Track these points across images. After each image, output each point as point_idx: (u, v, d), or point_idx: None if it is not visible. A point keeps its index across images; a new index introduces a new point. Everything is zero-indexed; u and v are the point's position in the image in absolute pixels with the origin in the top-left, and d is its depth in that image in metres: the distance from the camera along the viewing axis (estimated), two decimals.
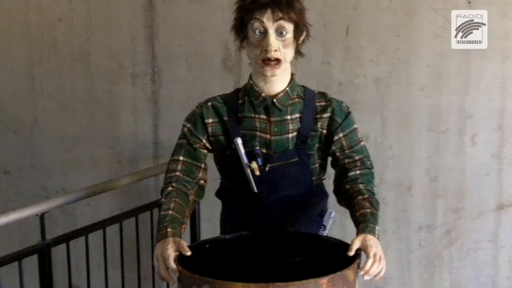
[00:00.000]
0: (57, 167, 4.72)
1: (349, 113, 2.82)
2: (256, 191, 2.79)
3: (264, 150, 2.77)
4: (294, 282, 2.31)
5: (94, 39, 4.48)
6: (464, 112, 3.72)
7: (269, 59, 2.63)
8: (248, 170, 2.76)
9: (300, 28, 2.68)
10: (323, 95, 2.83)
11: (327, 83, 3.91)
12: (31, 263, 3.35)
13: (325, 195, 3.00)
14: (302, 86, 2.85)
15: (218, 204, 3.09)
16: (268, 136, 2.76)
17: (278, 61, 2.64)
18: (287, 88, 2.74)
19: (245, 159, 2.76)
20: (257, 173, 2.75)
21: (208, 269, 2.61)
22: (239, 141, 2.75)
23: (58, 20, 4.56)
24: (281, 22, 2.60)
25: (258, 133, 2.77)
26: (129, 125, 4.46)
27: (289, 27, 2.63)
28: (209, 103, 2.84)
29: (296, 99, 2.78)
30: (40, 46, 4.65)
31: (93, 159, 4.58)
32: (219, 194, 3.00)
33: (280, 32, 2.62)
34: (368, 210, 2.70)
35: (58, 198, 3.51)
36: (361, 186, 2.80)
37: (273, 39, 2.61)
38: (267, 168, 2.76)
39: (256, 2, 2.58)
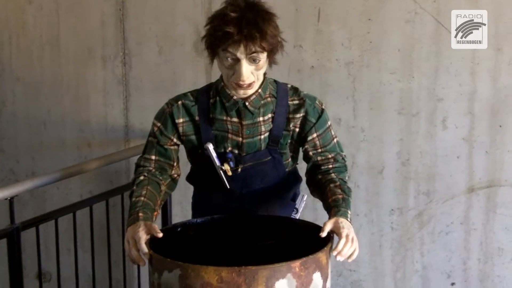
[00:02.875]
0: (26, 151, 4.67)
1: (322, 110, 2.79)
2: (228, 187, 2.80)
3: (236, 151, 2.76)
4: (266, 266, 2.30)
5: (63, 22, 4.43)
6: (434, 95, 3.73)
7: (242, 82, 2.61)
8: (221, 171, 2.76)
9: (274, 51, 2.63)
10: (296, 92, 2.79)
11: (298, 67, 3.90)
12: (0, 247, 3.31)
13: (298, 179, 3.00)
14: (274, 81, 2.80)
15: (189, 188, 3.08)
16: (240, 138, 2.74)
17: (250, 83, 2.62)
18: (259, 90, 2.70)
19: (217, 162, 2.75)
20: (229, 173, 2.75)
21: (180, 253, 2.60)
22: (210, 146, 2.73)
23: (27, 3, 4.50)
24: (254, 54, 2.55)
25: (229, 135, 2.75)
26: (99, 108, 4.42)
27: (262, 55, 2.57)
28: (180, 102, 2.77)
29: (269, 98, 2.74)
30: (9, 29, 4.59)
31: (63, 142, 4.54)
32: (190, 178, 2.98)
33: (253, 59, 2.56)
34: (340, 196, 2.70)
35: (27, 182, 3.47)
36: (333, 175, 2.81)
37: (245, 69, 2.56)
38: (239, 170, 2.75)
39: (229, 38, 2.49)
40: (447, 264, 3.88)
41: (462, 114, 3.71)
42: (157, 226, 2.54)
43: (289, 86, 2.81)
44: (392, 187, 3.89)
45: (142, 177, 2.78)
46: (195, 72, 4.10)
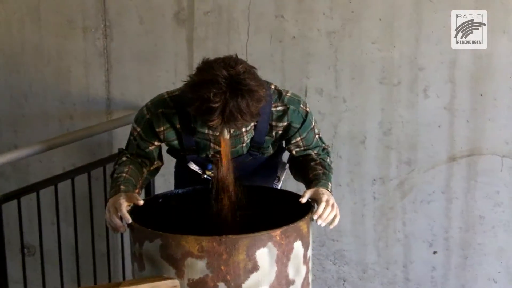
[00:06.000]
0: (7, 124, 4.64)
1: (306, 114, 2.75)
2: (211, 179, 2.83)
3: (218, 155, 2.73)
4: (247, 235, 2.32)
5: None
6: (416, 64, 3.73)
7: None
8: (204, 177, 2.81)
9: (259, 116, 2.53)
10: (279, 96, 2.71)
11: (280, 37, 3.89)
12: None
13: (280, 150, 3.01)
14: None
15: (172, 161, 3.08)
16: None
17: None
18: None
19: (199, 172, 2.81)
20: (212, 175, 2.79)
21: (162, 224, 2.61)
22: (192, 165, 2.79)
23: None
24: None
25: (212, 144, 2.74)
26: (80, 80, 4.39)
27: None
28: (160, 110, 2.70)
29: None
30: None
31: (44, 115, 4.51)
32: (171, 151, 2.96)
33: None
34: (320, 171, 2.73)
35: (8, 154, 3.47)
36: (313, 155, 2.84)
37: (227, 133, 2.54)
38: (221, 173, 2.75)
39: (211, 126, 2.42)
40: (429, 233, 3.90)
41: (443, 83, 3.71)
42: (138, 195, 2.55)
43: (272, 88, 2.72)
44: (374, 157, 3.90)
45: (124, 158, 2.79)
46: (177, 43, 4.08)
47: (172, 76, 4.09)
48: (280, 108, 2.70)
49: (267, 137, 2.74)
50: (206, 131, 2.66)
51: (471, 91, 3.68)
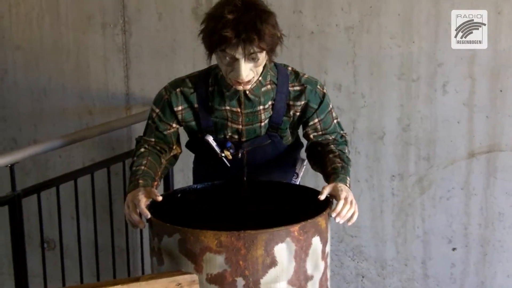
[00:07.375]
0: (27, 119, 4.67)
1: (324, 95, 2.78)
2: (229, 165, 2.82)
3: (235, 136, 2.77)
4: (265, 230, 2.32)
5: None
6: (435, 60, 3.72)
7: (241, 80, 2.56)
8: (221, 157, 2.80)
9: (273, 49, 2.55)
10: (296, 77, 2.76)
11: (298, 32, 3.89)
12: (2, 215, 3.33)
13: (299, 145, 3.02)
14: (274, 66, 2.76)
15: (191, 156, 3.09)
16: (239, 126, 2.74)
17: (249, 79, 2.57)
18: (260, 78, 2.66)
19: (218, 151, 2.78)
20: (230, 157, 2.79)
21: (180, 219, 2.62)
22: (210, 138, 2.76)
23: None
24: (253, 54, 2.49)
25: (229, 123, 2.75)
26: (99, 75, 4.41)
27: (261, 54, 2.52)
28: (178, 89, 2.76)
29: (269, 86, 2.71)
30: None
31: (64, 110, 4.54)
32: (189, 146, 2.98)
33: (252, 58, 2.50)
34: (339, 164, 2.72)
35: (27, 149, 3.49)
36: (332, 146, 2.83)
37: (244, 68, 2.50)
38: (239, 155, 2.78)
39: (226, 41, 2.42)
40: (448, 229, 3.89)
41: (462, 78, 3.69)
42: (156, 191, 2.56)
43: (289, 69, 2.78)
44: (393, 153, 3.89)
45: (142, 149, 2.80)
46: (195, 38, 4.04)
47: (191, 71, 4.06)
48: (298, 88, 2.74)
49: (285, 118, 2.76)
50: (224, 107, 2.70)
51: (490, 87, 3.67)
